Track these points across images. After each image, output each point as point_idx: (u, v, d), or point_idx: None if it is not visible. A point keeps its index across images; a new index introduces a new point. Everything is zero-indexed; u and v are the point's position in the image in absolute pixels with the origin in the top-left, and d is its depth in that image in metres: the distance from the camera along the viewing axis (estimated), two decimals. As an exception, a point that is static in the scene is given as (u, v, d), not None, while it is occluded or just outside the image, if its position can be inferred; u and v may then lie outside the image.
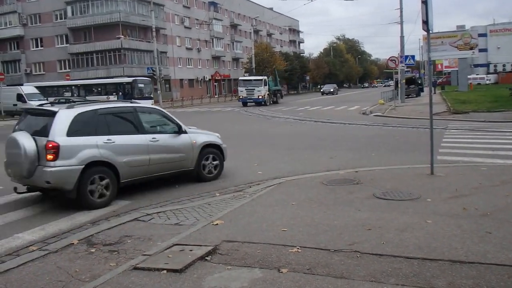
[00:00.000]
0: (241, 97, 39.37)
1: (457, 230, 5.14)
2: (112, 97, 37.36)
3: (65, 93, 41.10)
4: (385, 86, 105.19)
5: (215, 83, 75.37)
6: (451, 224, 5.35)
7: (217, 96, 66.86)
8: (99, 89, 40.58)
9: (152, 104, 40.66)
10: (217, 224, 5.81)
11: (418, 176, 8.28)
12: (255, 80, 39.98)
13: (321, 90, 69.35)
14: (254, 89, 38.68)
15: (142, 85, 38.60)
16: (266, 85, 39.63)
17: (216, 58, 75.96)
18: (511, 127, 16.76)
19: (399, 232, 5.15)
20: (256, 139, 16.40)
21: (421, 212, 5.95)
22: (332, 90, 67.58)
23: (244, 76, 44.24)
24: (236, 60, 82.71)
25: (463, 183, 7.57)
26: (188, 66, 68.22)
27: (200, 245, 5.03)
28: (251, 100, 38.85)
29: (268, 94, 40.20)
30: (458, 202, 6.36)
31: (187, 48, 67.82)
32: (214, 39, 74.73)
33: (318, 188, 7.70)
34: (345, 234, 5.20)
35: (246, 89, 38.72)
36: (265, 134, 18.24)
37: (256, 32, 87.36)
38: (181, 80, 66.01)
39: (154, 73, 43.73)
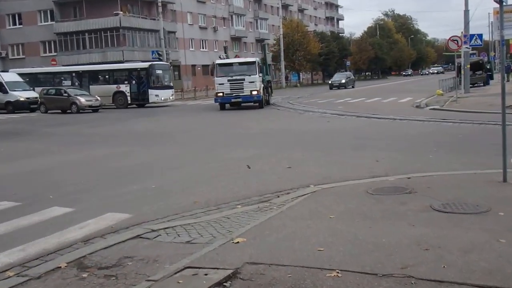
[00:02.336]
0: (220, 94, 29.09)
1: (538, 251, 5.01)
2: (123, 86, 37.24)
3: (63, 81, 40.05)
4: (437, 73, 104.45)
5: None
6: (530, 245, 5.22)
7: (237, 85, 67.13)
8: (107, 76, 39.29)
9: (172, 95, 41.76)
10: (238, 242, 5.81)
11: (487, 184, 8.11)
12: (243, 64, 30.19)
13: (330, 82, 61.29)
14: (242, 80, 28.62)
15: (160, 71, 37.77)
16: (260, 73, 29.94)
17: (236, 39, 76.33)
18: None
19: (463, 254, 5.05)
20: (285, 138, 16.41)
21: (491, 228, 5.81)
22: (343, 81, 59.88)
23: (222, 58, 32.50)
24: (260, 41, 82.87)
25: (545, 193, 7.38)
26: (202, 49, 68.74)
27: (218, 268, 5.02)
28: (239, 99, 29.04)
29: (262, 88, 30.47)
30: (540, 216, 6.20)
31: (200, 27, 68.34)
32: (233, 16, 75.12)
33: (361, 197, 7.62)
34: (396, 255, 5.12)
35: (229, 82, 28.59)
36: (296, 132, 18.24)
37: (285, 7, 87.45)
38: (194, 66, 66.54)
39: (160, 57, 43.92)
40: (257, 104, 29.99)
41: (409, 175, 9.10)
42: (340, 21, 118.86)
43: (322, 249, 5.41)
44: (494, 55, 66.45)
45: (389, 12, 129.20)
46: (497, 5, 8.62)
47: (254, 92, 28.78)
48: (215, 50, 71.07)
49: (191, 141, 16.91)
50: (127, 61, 46.33)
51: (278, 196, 8.25)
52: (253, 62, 29.73)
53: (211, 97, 48.83)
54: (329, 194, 8.00)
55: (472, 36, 33.62)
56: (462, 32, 33.73)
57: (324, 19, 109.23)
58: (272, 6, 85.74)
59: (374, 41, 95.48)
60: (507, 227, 5.86)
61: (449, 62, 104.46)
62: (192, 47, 66.64)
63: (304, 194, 8.06)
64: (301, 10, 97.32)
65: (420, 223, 6.19)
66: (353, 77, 65.62)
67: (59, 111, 33.58)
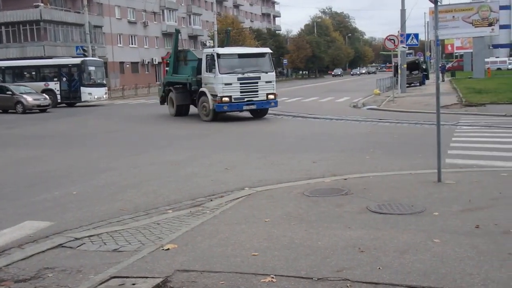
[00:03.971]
0: (225, 99, 20.94)
1: (472, 251, 5.24)
2: (52, 84, 35.80)
3: None
4: (368, 73, 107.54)
5: (167, 68, 74.90)
6: (464, 244, 5.45)
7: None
8: (34, 73, 37.50)
9: (106, 94, 39.88)
10: (168, 249, 5.76)
11: (422, 184, 8.43)
12: (253, 55, 22.59)
13: None
14: (257, 79, 21.45)
15: (93, 68, 36.46)
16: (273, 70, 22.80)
17: (167, 35, 75.47)
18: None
19: (399, 255, 5.22)
20: (220, 139, 16.39)
21: (426, 229, 6.04)
22: None
23: (209, 45, 26.73)
24: (194, 38, 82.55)
25: (479, 192, 7.75)
26: (131, 45, 67.63)
27: (146, 277, 4.96)
28: (252, 106, 21.64)
29: None
30: (473, 216, 6.50)
31: (129, 22, 67.24)
32: (165, 11, 74.37)
33: (298, 200, 7.73)
34: (332, 258, 5.22)
35: (240, 81, 21.00)
36: (232, 133, 18.25)
37: (220, 2, 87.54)
38: (122, 63, 65.40)
39: (86, 53, 42.87)
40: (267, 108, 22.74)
41: (346, 176, 9.33)
42: (276, 18, 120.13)
43: (256, 254, 5.44)
44: (430, 55, 69.14)
45: (326, 10, 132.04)
46: (432, 5, 8.96)
47: (271, 96, 21.80)
48: (145, 46, 70.15)
49: (121, 143, 16.59)
50: (49, 57, 44.70)
51: (212, 200, 8.24)
52: (266, 54, 22.37)
53: (141, 96, 48.28)
54: (265, 197, 8.07)
55: (408, 35, 34.85)
56: (398, 32, 34.87)
57: (261, 16, 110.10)
58: (206, 1, 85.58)
59: (311, 39, 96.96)
60: (441, 227, 6.11)
61: (386, 61, 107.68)
62: (120, 43, 65.44)
63: (239, 197, 8.10)
64: (236, 6, 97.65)
65: (356, 225, 6.34)
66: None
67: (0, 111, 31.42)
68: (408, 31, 35.97)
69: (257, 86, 21.30)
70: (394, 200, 7.42)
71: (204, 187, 9.32)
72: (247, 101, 21.25)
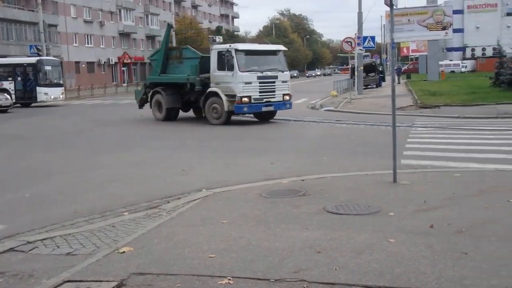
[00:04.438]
0: (245, 100, 19.34)
1: (426, 251, 5.33)
2: (7, 83, 34.79)
3: None
4: (323, 75, 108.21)
5: (124, 68, 74.07)
6: (419, 244, 5.54)
7: (126, 84, 65.73)
8: None
9: (62, 94, 38.61)
10: (124, 252, 5.67)
11: (379, 185, 8.56)
12: (270, 53, 21.36)
13: None
14: (275, 78, 20.29)
15: (49, 68, 35.82)
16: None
17: (125, 35, 74.68)
18: (491, 124, 17.79)
19: (355, 255, 5.27)
20: (180, 141, 16.26)
21: (382, 229, 6.12)
22: None
23: (218, 41, 21.49)
24: (151, 38, 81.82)
25: (433, 192, 7.90)
26: (87, 45, 66.54)
27: (101, 281, 4.87)
28: (270, 107, 20.41)
29: None
30: (427, 216, 6.62)
31: (85, 21, 66.13)
32: (122, 10, 73.43)
33: (255, 201, 7.73)
34: (289, 259, 5.23)
35: (259, 80, 19.61)
36: (191, 134, 18.16)
37: (178, 2, 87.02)
38: (78, 63, 64.30)
39: (40, 53, 41.99)
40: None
41: (303, 177, 9.38)
42: (235, 19, 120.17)
43: (214, 256, 5.41)
44: (386, 57, 70.31)
45: (285, 12, 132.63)
46: (388, 9, 9.10)
47: (287, 97, 20.75)
48: (101, 46, 69.11)
49: (78, 143, 16.27)
50: (2, 56, 43.62)
51: (169, 202, 8.16)
52: (280, 51, 21.25)
53: (97, 96, 47.54)
54: (222, 199, 8.04)
55: (365, 38, 35.43)
56: (356, 34, 35.36)
57: (219, 17, 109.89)
58: (164, 1, 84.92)
59: (270, 40, 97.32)
60: (397, 227, 6.20)
61: (344, 63, 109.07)
62: (76, 42, 64.31)
63: (196, 199, 8.05)
64: (194, 7, 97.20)
65: (313, 225, 6.38)
66: None
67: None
68: (365, 33, 36.51)
69: (274, 86, 20.09)
70: (351, 201, 7.49)
71: (162, 189, 9.23)
72: (265, 102, 19.89)
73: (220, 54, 19.46)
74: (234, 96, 19.15)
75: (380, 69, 51.08)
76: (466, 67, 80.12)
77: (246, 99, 19.15)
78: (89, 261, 5.46)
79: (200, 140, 16.20)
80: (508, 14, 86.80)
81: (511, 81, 31.64)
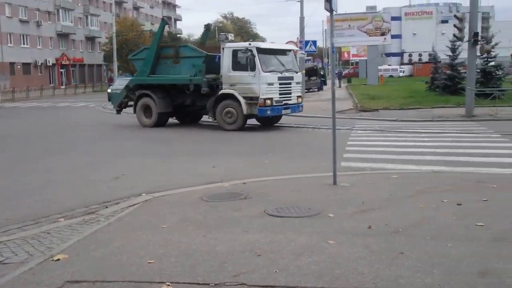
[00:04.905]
0: (268, 102, 18.10)
1: (364, 251, 5.42)
2: None
3: None
4: None
5: (62, 70, 72.19)
6: (357, 245, 5.63)
7: (64, 86, 64.01)
8: None
9: None
10: (58, 259, 5.50)
11: (319, 187, 8.66)
12: (284, 52, 20.04)
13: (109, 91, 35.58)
14: (291, 79, 19.23)
15: None
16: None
17: (63, 35, 72.76)
18: (427, 127, 18.34)
19: (295, 257, 5.29)
20: (119, 144, 15.97)
21: (322, 231, 6.18)
22: None
23: (229, 39, 19.71)
24: (91, 39, 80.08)
25: (371, 194, 8.06)
26: (22, 45, 64.42)
27: (33, 289, 4.70)
28: (288, 110, 19.33)
29: None
30: (366, 217, 6.74)
31: (21, 21, 64.04)
32: (60, 10, 71.56)
33: (196, 205, 7.67)
34: (229, 263, 5.21)
35: (280, 81, 18.51)
36: (133, 137, 17.86)
37: (119, 3, 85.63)
38: (12, 64, 62.10)
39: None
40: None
41: (245, 181, 9.38)
42: (178, 22, 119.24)
43: (152, 261, 5.31)
44: (327, 62, 71.42)
45: (228, 15, 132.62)
46: (329, 14, 9.22)
47: (300, 100, 19.87)
48: (38, 47, 67.06)
49: (13, 147, 15.71)
50: None
51: (107, 207, 7.98)
52: (291, 51, 20.33)
53: (33, 99, 46.12)
54: (162, 203, 7.93)
55: (307, 42, 35.81)
56: (298, 38, 35.75)
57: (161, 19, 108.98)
58: (104, 2, 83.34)
59: (213, 43, 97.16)
60: (336, 228, 6.28)
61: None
62: (10, 43, 62.15)
63: (135, 204, 7.91)
64: (136, 8, 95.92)
65: (254, 229, 6.37)
66: None
67: None
68: (307, 38, 36.91)
69: (291, 87, 19.09)
70: (292, 203, 7.53)
71: (100, 194, 9.01)
72: (284, 104, 18.80)
73: (236, 53, 18.13)
74: (253, 98, 17.89)
75: (321, 73, 51.79)
76: (404, 72, 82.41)
77: (269, 102, 18.00)
78: (21, 269, 5.26)
79: (143, 143, 15.96)
80: (443, 22, 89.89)
81: (446, 85, 32.79)
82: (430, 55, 45.20)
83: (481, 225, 6.23)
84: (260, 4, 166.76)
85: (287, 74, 18.85)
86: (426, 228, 6.23)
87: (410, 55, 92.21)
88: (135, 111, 20.94)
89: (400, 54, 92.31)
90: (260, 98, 17.74)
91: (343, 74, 67.92)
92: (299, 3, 37.64)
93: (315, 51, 39.74)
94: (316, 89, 47.11)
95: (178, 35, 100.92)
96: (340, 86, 52.16)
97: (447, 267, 4.92)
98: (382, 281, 4.65)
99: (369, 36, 47.00)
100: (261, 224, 6.59)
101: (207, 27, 23.29)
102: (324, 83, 51.21)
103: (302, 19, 37.48)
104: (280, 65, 18.79)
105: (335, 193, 8.25)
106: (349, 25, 45.86)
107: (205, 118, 20.85)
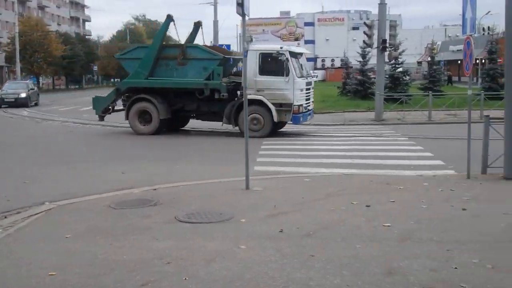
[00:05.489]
0: (300, 108, 17.49)
1: (275, 255, 5.47)
2: None
3: None
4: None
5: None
6: (268, 248, 5.67)
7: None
8: None
9: None
10: (-50, 273, 5.16)
11: (232, 192, 8.68)
12: (301, 54, 19.45)
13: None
14: (311, 85, 19.02)
15: None
16: None
17: (-41, 35, 68.92)
18: (339, 131, 18.88)
19: (206, 263, 5.26)
20: (19, 149, 15.26)
21: (233, 236, 6.19)
22: (23, 95, 35.96)
23: (252, 40, 20.88)
24: (-9, 39, 76.33)
25: (284, 198, 8.17)
26: None
27: None
28: (309, 115, 18.74)
29: None
30: (277, 221, 6.82)
31: None
32: (-44, 8, 67.76)
33: (104, 213, 7.46)
34: (137, 271, 5.09)
35: (306, 86, 18.23)
36: (37, 141, 17.13)
37: (23, 2, 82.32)
38: None
39: None
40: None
41: (156, 187, 9.25)
42: (87, 22, 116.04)
43: (54, 273, 5.10)
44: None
45: (140, 17, 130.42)
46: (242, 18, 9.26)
47: (313, 105, 19.66)
48: None
49: None
50: None
51: (6, 217, 7.59)
52: (303, 54, 19.79)
53: None
54: (68, 211, 7.66)
55: (220, 46, 35.83)
56: (211, 42, 35.76)
57: (69, 19, 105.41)
58: (6, 0, 79.77)
59: (124, 46, 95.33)
60: (248, 233, 6.31)
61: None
62: None
63: (38, 213, 7.59)
64: (41, 8, 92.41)
65: (164, 236, 6.28)
66: (35, 88, 41.51)
67: None
68: (221, 42, 37.02)
69: (310, 92, 18.65)
70: (203, 209, 7.50)
71: (-1, 203, 8.56)
72: (307, 110, 18.14)
73: (264, 56, 17.40)
74: (282, 104, 17.20)
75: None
76: (317, 76, 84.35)
77: (301, 108, 17.45)
78: None
79: (48, 149, 15.35)
80: (354, 28, 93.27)
81: (357, 90, 33.96)
82: (342, 60, 46.60)
83: (389, 226, 6.47)
84: (174, 6, 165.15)
85: (309, 79, 18.66)
86: (336, 230, 6.39)
87: (323, 60, 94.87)
88: (127, 117, 18.90)
89: (314, 59, 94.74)
90: (294, 105, 17.15)
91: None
92: (213, 6, 37.78)
93: (230, 56, 39.83)
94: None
95: (87, 36, 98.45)
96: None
97: (356, 268, 5.06)
98: (293, 284, 4.71)
99: (283, 41, 48.15)
100: (171, 230, 6.51)
101: (198, 24, 20.89)
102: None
103: (216, 22, 37.58)
104: (301, 69, 18.30)
105: (248, 197, 8.29)
106: (263, 30, 46.77)
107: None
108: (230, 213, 7.20)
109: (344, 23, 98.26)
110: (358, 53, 35.12)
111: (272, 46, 18.94)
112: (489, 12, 63.79)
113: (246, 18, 9.34)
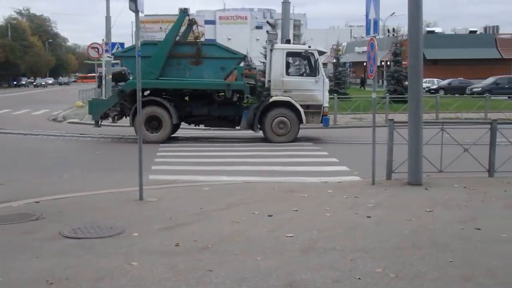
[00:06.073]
0: (327, 110, 17.89)
1: (170, 271, 5.39)
2: None
3: None
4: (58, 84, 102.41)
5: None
6: (163, 265, 5.59)
7: None
8: None
9: None
10: None
11: (124, 204, 8.53)
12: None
13: None
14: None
15: None
16: None
17: None
18: (242, 136, 19.01)
19: (93, 283, 5.10)
20: None
21: (124, 251, 6.06)
22: None
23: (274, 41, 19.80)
24: None
25: (181, 208, 8.12)
26: None
27: None
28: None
29: None
30: (173, 234, 6.75)
31: None
32: None
33: (-23, 230, 7.07)
34: (14, 295, 4.86)
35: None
36: None
37: None
38: None
39: None
40: None
41: (38, 199, 8.90)
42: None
43: None
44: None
45: (23, 11, 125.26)
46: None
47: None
48: None
49: None
50: None
51: None
52: None
53: None
54: None
55: (114, 44, 35.13)
56: (103, 40, 35.01)
57: None
58: None
59: (5, 43, 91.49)
60: (140, 248, 6.19)
61: (92, 70, 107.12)
62: None
63: None
64: None
65: (47, 253, 6.04)
66: None
67: None
68: (115, 39, 36.36)
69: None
70: (92, 223, 7.29)
71: None
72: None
73: (292, 55, 17.40)
74: (310, 106, 17.13)
75: (131, 78, 51.29)
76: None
77: (327, 110, 17.62)
78: None
79: None
80: (258, 28, 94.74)
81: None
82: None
83: (291, 236, 6.58)
84: (62, 0, 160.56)
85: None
86: (236, 242, 6.41)
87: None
88: (132, 123, 17.48)
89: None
90: (324, 106, 17.25)
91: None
92: (105, 1, 36.95)
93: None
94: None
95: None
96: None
97: (256, 282, 5.10)
98: (189, 302, 4.67)
99: (182, 39, 47.69)
100: (55, 248, 6.27)
101: (191, 22, 19.62)
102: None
103: (108, 18, 36.77)
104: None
105: (141, 209, 8.16)
106: (161, 27, 46.18)
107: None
108: (121, 227, 7.04)
109: (247, 21, 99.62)
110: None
111: (299, 45, 19.04)
112: (393, 13, 67.23)
113: (141, 14, 9.24)
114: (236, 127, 17.99)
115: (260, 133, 17.71)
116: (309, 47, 17.95)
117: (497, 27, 74.72)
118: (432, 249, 6.10)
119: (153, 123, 17.42)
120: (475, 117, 24.16)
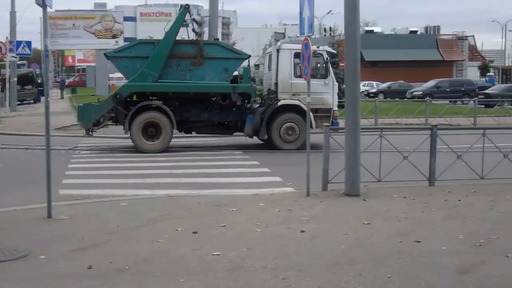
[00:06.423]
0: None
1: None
2: None
3: None
4: None
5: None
6: (77, 290, 5.49)
7: None
8: None
9: None
10: None
11: (29, 223, 8.31)
12: None
13: None
14: None
15: None
16: None
17: None
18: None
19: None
20: None
21: (29, 277, 5.91)
22: None
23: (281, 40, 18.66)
24: None
25: (95, 227, 7.99)
26: None
27: None
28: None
29: None
30: (86, 255, 6.63)
31: None
32: None
33: None
34: None
35: None
36: None
37: None
38: None
39: None
40: None
41: None
42: None
43: None
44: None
45: None
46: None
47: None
48: None
49: None
50: None
51: None
52: None
53: None
54: None
55: (19, 43, 34.28)
56: (7, 38, 34.14)
57: None
58: None
59: None
60: (48, 272, 6.05)
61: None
62: None
63: None
64: None
65: None
66: None
67: None
68: (20, 37, 35.52)
69: None
70: (-7, 245, 7.09)
71: None
72: None
73: (297, 56, 16.60)
74: (318, 110, 17.21)
75: (39, 81, 50.20)
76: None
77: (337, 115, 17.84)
78: None
79: None
80: (183, 25, 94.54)
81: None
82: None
83: (218, 254, 6.59)
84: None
85: None
86: (157, 263, 6.37)
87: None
88: (129, 131, 16.97)
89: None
90: (334, 110, 17.60)
91: (66, 83, 66.74)
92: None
93: (30, 55, 38.52)
94: (32, 101, 45.54)
95: None
96: (62, 98, 51.21)
97: (178, 306, 5.08)
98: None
99: (98, 38, 46.89)
100: None
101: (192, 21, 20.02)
102: (42, 93, 49.70)
103: (13, 14, 35.98)
104: None
105: (50, 228, 7.98)
106: (74, 24, 45.26)
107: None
108: (26, 249, 6.85)
109: (171, 18, 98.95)
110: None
111: (312, 46, 18.56)
112: (330, 11, 68.41)
113: (49, 9, 9.06)
114: (234, 133, 18.20)
115: (252, 139, 18.06)
116: (318, 47, 17.90)
117: (438, 27, 77.12)
118: (369, 265, 6.24)
119: (149, 130, 17.06)
120: (416, 122, 25.02)
